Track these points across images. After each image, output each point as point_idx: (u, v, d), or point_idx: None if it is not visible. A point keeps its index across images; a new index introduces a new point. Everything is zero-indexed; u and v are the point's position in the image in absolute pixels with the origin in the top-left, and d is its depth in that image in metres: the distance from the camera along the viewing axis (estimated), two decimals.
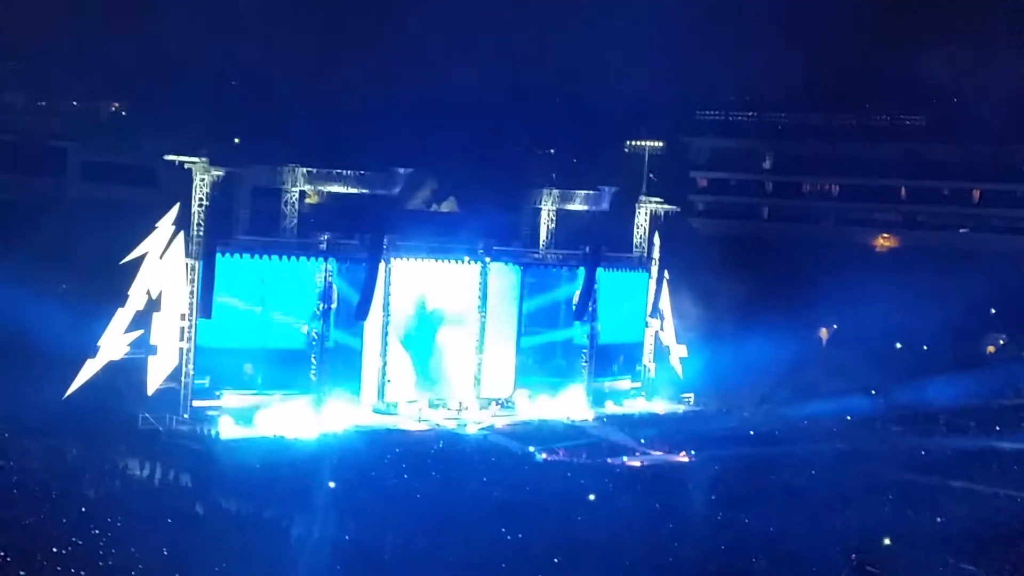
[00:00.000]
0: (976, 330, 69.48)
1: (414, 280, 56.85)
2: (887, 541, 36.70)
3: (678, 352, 64.52)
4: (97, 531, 32.85)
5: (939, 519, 40.89)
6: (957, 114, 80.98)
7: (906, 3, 76.93)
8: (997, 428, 57.30)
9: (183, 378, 50.56)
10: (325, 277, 53.19)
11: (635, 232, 64.76)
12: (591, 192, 62.74)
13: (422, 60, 75.68)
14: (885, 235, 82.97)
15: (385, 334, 55.78)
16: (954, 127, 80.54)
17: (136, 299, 49.25)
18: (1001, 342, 70.48)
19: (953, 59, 75.22)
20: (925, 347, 67.70)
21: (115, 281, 49.49)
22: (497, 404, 58.30)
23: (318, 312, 53.06)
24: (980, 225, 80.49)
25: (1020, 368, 63.60)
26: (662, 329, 64.78)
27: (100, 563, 30.47)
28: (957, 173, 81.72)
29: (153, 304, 49.63)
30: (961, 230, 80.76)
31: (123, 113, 79.67)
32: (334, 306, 53.46)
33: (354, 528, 35.32)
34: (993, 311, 70.54)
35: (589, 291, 60.83)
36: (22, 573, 29.32)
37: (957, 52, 74.12)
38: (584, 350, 61.62)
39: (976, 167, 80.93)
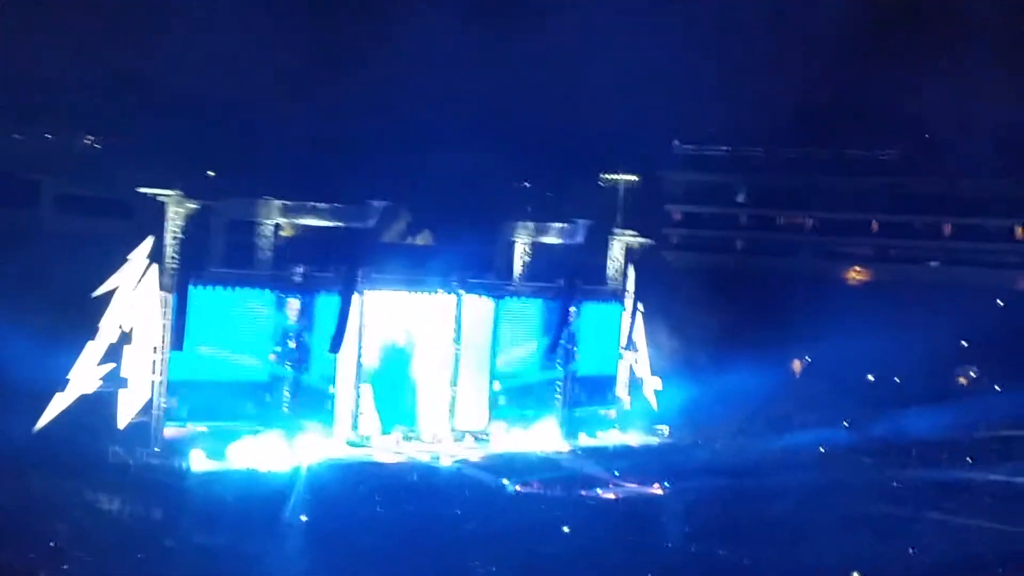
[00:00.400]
0: (948, 362, 69.89)
1: (388, 312, 56.80)
2: (856, 575, 36.73)
3: (652, 384, 64.60)
4: (67, 566, 32.59)
5: (912, 550, 41.03)
6: (930, 148, 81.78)
7: (880, 39, 77.75)
8: (969, 460, 57.59)
9: (154, 411, 50.25)
10: (299, 310, 53.09)
11: (609, 265, 64.93)
12: (566, 225, 62.91)
13: (398, 93, 76.02)
14: (858, 268, 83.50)
15: (359, 366, 55.68)
16: (926, 161, 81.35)
17: (108, 332, 48.99)
18: (972, 374, 70.90)
19: (926, 94, 76.08)
20: (897, 379, 68.05)
21: (87, 314, 49.23)
22: (472, 436, 58.20)
23: (291, 345, 52.89)
24: (951, 259, 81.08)
25: (992, 400, 63.99)
26: (636, 361, 64.87)
27: None
28: (929, 207, 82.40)
29: (125, 337, 49.38)
30: (932, 263, 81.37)
31: (97, 146, 79.54)
32: (304, 339, 53.30)
33: (328, 561, 35.10)
34: (964, 344, 71.02)
35: (563, 324, 60.91)
36: None
37: (930, 87, 74.98)
38: (558, 382, 61.65)
39: (947, 201, 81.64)
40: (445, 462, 53.81)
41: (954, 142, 78.35)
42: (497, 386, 59.65)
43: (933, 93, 75.62)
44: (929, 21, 77.09)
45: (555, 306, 61.08)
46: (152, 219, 51.22)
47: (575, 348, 62.34)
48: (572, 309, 61.35)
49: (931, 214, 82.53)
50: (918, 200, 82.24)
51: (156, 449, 49.62)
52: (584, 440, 61.16)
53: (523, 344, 61.10)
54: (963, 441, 60.01)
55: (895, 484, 52.36)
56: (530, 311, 61.49)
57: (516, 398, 60.88)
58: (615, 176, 66.56)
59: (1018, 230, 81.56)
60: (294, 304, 53.11)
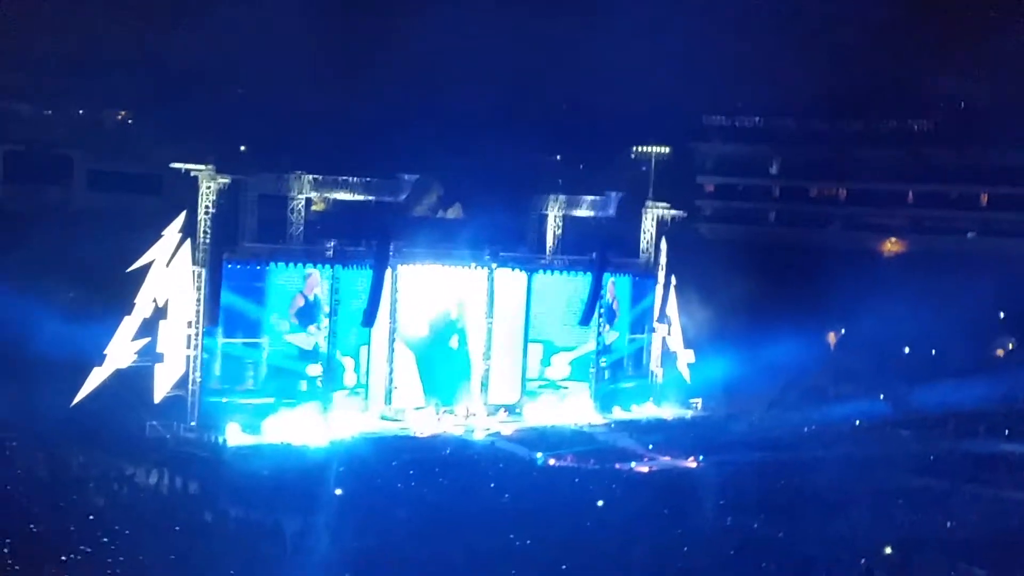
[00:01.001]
0: (985, 334, 69.27)
1: (421, 286, 56.86)
2: (888, 550, 36.55)
3: (685, 357, 64.45)
4: (105, 539, 32.86)
5: (949, 523, 40.77)
6: (964, 118, 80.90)
7: (913, 7, 76.82)
8: (1007, 432, 57.13)
9: (190, 385, 50.64)
10: (331, 284, 53.25)
11: (642, 237, 64.71)
12: (597, 198, 62.71)
13: (428, 67, 75.81)
14: (892, 239, 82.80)
15: (392, 340, 55.82)
16: (961, 131, 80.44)
17: (143, 307, 49.33)
18: (1010, 346, 70.28)
19: (959, 63, 75.19)
20: (933, 351, 67.54)
21: (122, 289, 49.57)
22: (504, 410, 58.29)
23: (323, 319, 53.07)
24: (987, 229, 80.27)
25: None
26: (669, 334, 64.72)
27: (108, 571, 30.50)
28: (964, 177, 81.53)
29: (160, 312, 49.73)
30: (968, 234, 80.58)
31: (129, 121, 79.85)
32: (337, 313, 53.46)
33: (362, 534, 35.28)
34: (1002, 315, 70.37)
35: (596, 296, 60.76)
36: None
37: (964, 56, 74.08)
38: (592, 355, 61.59)
39: (983, 171, 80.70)
40: (479, 436, 53.93)
41: (988, 110, 77.50)
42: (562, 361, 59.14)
43: (967, 61, 74.79)
44: None
45: (588, 279, 60.94)
46: (184, 194, 51.48)
47: (608, 321, 62.25)
48: (605, 282, 61.19)
49: (966, 184, 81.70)
50: (952, 170, 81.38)
51: (192, 423, 50.06)
52: (618, 413, 61.14)
53: (556, 317, 60.99)
54: (1000, 413, 59.55)
55: (931, 457, 51.92)
56: (563, 284, 61.36)
57: (551, 371, 60.82)
58: (647, 148, 66.18)
59: None
60: (326, 278, 53.20)
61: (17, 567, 29.92)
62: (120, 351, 48.78)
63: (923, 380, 60.83)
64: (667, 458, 51.19)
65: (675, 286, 64.53)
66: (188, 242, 50.17)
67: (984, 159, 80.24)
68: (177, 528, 34.75)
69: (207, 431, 49.46)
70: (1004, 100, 75.66)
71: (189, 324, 50.59)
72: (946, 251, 76.14)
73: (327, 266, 53.27)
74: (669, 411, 62.84)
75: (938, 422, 58.17)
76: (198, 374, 50.66)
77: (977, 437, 56.28)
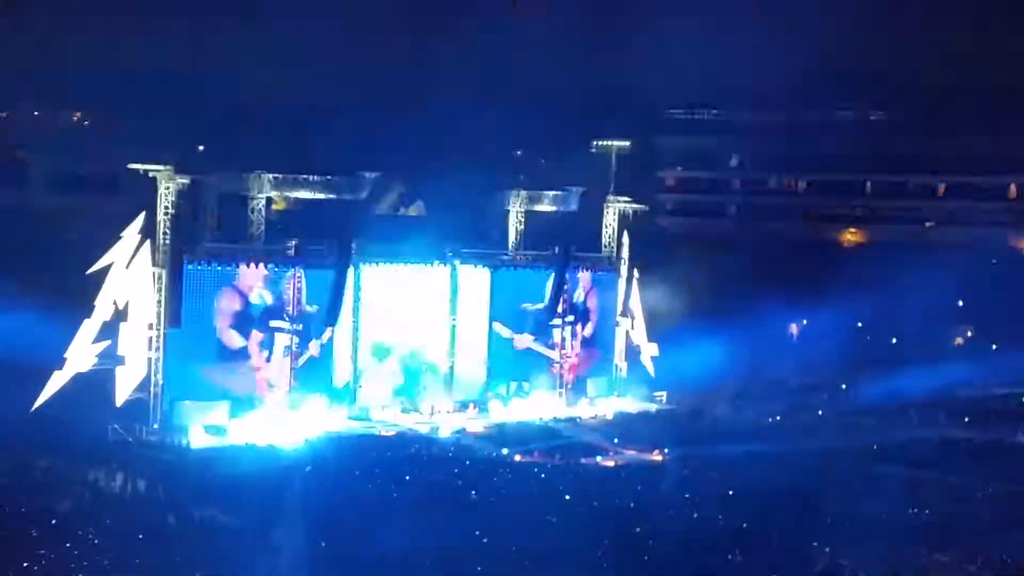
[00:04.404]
0: (944, 322, 70.02)
1: (383, 284, 56.68)
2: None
3: (649, 351, 64.61)
4: (68, 544, 32.58)
5: (912, 511, 41.18)
6: (920, 107, 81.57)
7: None
8: (966, 420, 57.77)
9: (152, 388, 50.24)
10: (294, 284, 53.03)
11: (604, 232, 64.83)
12: (559, 192, 62.74)
13: (387, 63, 75.60)
14: (852, 230, 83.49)
15: (355, 339, 55.64)
16: (917, 121, 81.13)
17: (103, 309, 48.86)
18: (968, 334, 71.09)
19: (916, 52, 75.82)
20: (894, 340, 68.14)
21: (81, 292, 49.11)
22: (471, 406, 58.24)
23: (286, 319, 52.82)
24: (945, 218, 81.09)
25: (987, 360, 64.13)
26: (632, 328, 64.87)
27: None
28: (921, 167, 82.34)
29: (120, 314, 49.29)
30: (927, 224, 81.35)
31: (85, 122, 79.09)
32: (300, 313, 53.23)
33: (328, 535, 35.15)
34: (960, 303, 71.13)
35: (559, 292, 60.83)
36: None
37: (921, 45, 74.70)
38: (556, 351, 61.61)
39: (940, 160, 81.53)
40: (444, 433, 53.85)
41: (944, 100, 78.19)
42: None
43: (924, 50, 75.44)
44: None
45: (550, 274, 60.96)
46: (143, 194, 51.05)
47: (571, 316, 62.32)
48: (567, 277, 61.24)
49: (922, 174, 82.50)
50: (909, 160, 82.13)
51: (155, 426, 49.66)
52: (583, 408, 61.22)
53: (519, 313, 60.97)
54: (959, 400, 60.23)
55: (894, 445, 52.39)
56: (526, 280, 61.34)
57: (514, 367, 60.85)
58: (607, 142, 66.16)
59: (1011, 188, 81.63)
60: (288, 278, 52.96)
61: None
62: (80, 354, 48.29)
63: (884, 369, 61.39)
64: (632, 452, 51.31)
65: (638, 280, 64.67)
66: (148, 243, 49.74)
67: (941, 148, 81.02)
68: (140, 534, 34.43)
69: (170, 433, 49.08)
70: (961, 88, 76.38)
71: (150, 326, 50.17)
72: (905, 241, 76.86)
73: (280, 267, 52.95)
74: (633, 405, 62.95)
75: (899, 411, 58.72)
76: (159, 376, 50.25)
77: (938, 425, 56.88)
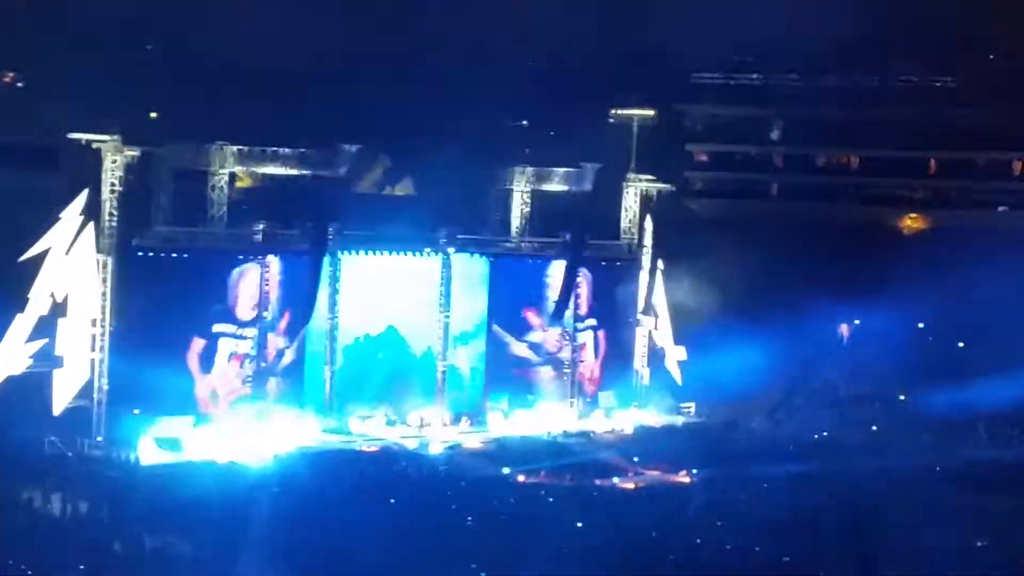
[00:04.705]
0: (1018, 324, 70.01)
1: (365, 276, 56.86)
2: None
3: (675, 355, 64.86)
4: None
5: (980, 543, 41.30)
6: (993, 73, 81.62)
7: None
8: None
9: (96, 394, 50.41)
10: (261, 276, 53.23)
11: (623, 216, 65.04)
12: (571, 170, 63.06)
13: (372, 19, 75.68)
14: (912, 215, 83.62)
15: (333, 339, 55.81)
16: (990, 89, 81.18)
17: (38, 303, 49.09)
18: None
19: (990, 5, 75.85)
20: (960, 344, 68.26)
21: (13, 282, 49.28)
22: (466, 419, 58.45)
23: (252, 315, 53.04)
24: (1022, 202, 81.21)
25: None
26: (656, 328, 65.08)
27: None
28: (994, 142, 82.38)
29: (58, 309, 49.48)
30: (1000, 208, 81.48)
31: (19, 84, 79.21)
32: (273, 309, 53.44)
33: (299, 566, 35.34)
34: None
35: (571, 286, 61.00)
36: None
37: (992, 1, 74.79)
38: (566, 355, 61.91)
39: (1016, 135, 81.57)
40: (435, 449, 54.10)
41: (1022, 65, 78.29)
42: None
43: (996, 7, 75.46)
44: None
45: (560, 265, 61.12)
46: (86, 170, 51.22)
47: (584, 314, 62.50)
48: (580, 268, 61.43)
49: (995, 150, 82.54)
50: (980, 134, 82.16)
51: (99, 439, 49.89)
52: (598, 421, 61.41)
53: (523, 310, 61.15)
54: None
55: (961, 466, 52.48)
56: (531, 271, 61.52)
57: (516, 373, 61.06)
58: (627, 111, 66.43)
59: None
60: (256, 268, 53.15)
61: None
62: (12, 355, 48.57)
63: (949, 378, 61.50)
64: (655, 472, 51.65)
65: (663, 272, 64.90)
66: (91, 226, 49.99)
67: (1017, 121, 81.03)
68: (81, 565, 34.61)
69: (116, 447, 49.31)
70: None
71: (93, 323, 50.37)
72: (973, 228, 76.91)
73: (257, 256, 53.18)
74: (657, 418, 63.22)
75: (967, 426, 58.83)
76: (105, 381, 50.41)
77: (1011, 443, 57.02)
